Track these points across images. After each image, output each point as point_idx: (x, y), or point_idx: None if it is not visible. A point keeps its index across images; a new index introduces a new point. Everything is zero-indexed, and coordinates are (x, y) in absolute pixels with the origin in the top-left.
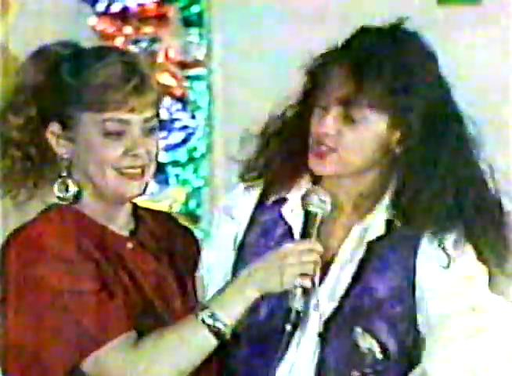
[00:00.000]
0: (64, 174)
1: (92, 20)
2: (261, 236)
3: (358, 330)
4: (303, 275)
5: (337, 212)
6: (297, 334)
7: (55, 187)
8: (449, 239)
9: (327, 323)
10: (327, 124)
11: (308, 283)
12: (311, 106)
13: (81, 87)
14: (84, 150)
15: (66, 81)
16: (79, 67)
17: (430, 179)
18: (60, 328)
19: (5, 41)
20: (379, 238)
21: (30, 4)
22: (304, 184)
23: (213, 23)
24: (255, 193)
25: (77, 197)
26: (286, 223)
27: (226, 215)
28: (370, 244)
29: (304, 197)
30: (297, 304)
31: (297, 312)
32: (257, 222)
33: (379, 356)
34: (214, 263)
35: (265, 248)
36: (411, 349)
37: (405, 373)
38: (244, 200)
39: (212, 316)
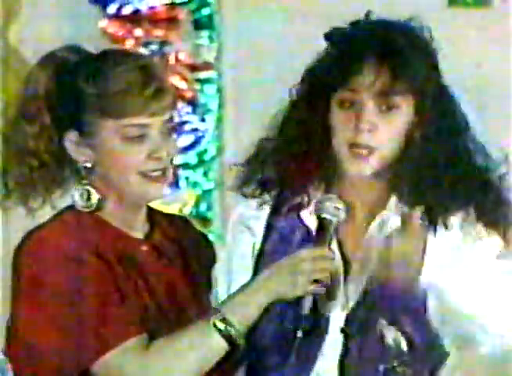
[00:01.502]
0: (85, 182)
1: (103, 23)
2: (279, 244)
3: (383, 322)
4: (316, 281)
5: (352, 218)
6: (322, 338)
7: (77, 195)
8: (459, 221)
9: (349, 319)
10: (366, 119)
11: (321, 289)
12: (323, 102)
13: (99, 94)
14: (105, 157)
15: (82, 88)
16: (95, 74)
17: (446, 162)
18: (72, 330)
19: (17, 44)
20: (396, 233)
21: (40, 7)
22: (319, 187)
23: (223, 25)
24: (269, 202)
25: (99, 204)
26: (305, 227)
27: (242, 226)
28: (388, 239)
29: (318, 204)
30: (309, 310)
31: (310, 319)
32: (274, 229)
33: (405, 347)
34: (233, 273)
35: (284, 255)
36: (436, 338)
37: (433, 362)
38: (259, 209)
39: (224, 320)
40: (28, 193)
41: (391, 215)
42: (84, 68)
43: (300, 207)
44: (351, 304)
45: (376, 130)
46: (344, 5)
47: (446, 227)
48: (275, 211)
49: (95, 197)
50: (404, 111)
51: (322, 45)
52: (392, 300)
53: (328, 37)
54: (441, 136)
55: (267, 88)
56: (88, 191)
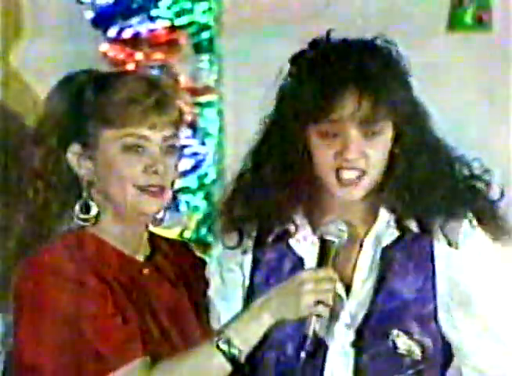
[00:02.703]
0: (85, 195)
1: (103, 46)
2: (269, 276)
3: (395, 332)
4: (319, 303)
5: (353, 235)
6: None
7: (77, 208)
8: (459, 228)
9: (359, 332)
10: (353, 148)
11: (324, 310)
12: (301, 131)
13: (102, 103)
14: (104, 168)
15: (88, 99)
16: (101, 86)
17: (427, 167)
18: (74, 352)
19: (18, 67)
20: (394, 243)
21: (41, 30)
22: (302, 213)
23: (223, 49)
24: (251, 248)
25: (97, 218)
26: (295, 255)
27: (230, 264)
28: (386, 250)
29: (321, 226)
30: (312, 331)
31: (312, 340)
32: (261, 263)
33: (418, 355)
34: (224, 314)
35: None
36: (444, 345)
37: (444, 369)
38: (243, 246)
39: (227, 341)
40: (39, 219)
41: (385, 228)
42: (93, 84)
43: (287, 235)
44: (358, 319)
45: (365, 157)
46: (344, 30)
47: (446, 237)
48: (259, 244)
49: (94, 210)
50: (387, 133)
51: None
52: (400, 309)
53: (293, 61)
54: (419, 149)
55: (267, 111)
56: (88, 204)
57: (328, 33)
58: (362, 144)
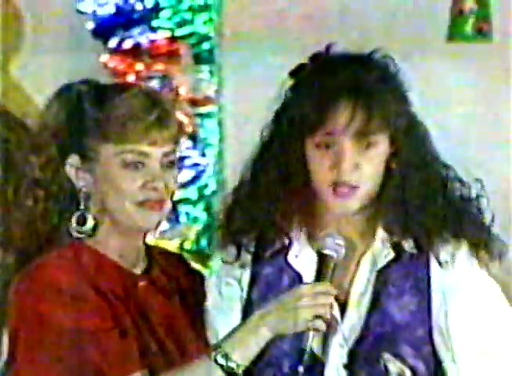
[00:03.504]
0: (82, 207)
1: (104, 57)
2: (267, 291)
3: (387, 356)
4: (317, 317)
5: (350, 251)
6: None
7: (73, 220)
8: (454, 252)
9: (352, 354)
10: (346, 160)
11: (322, 325)
12: (298, 143)
13: (102, 118)
14: (103, 182)
15: (88, 113)
16: (101, 100)
17: (421, 185)
18: (73, 366)
19: (18, 78)
20: (389, 264)
21: (41, 41)
22: (299, 227)
23: (224, 60)
24: (249, 264)
25: (94, 230)
26: (293, 271)
27: (228, 278)
28: (382, 271)
29: (318, 240)
30: (310, 346)
31: (310, 355)
32: (258, 277)
33: None
34: (222, 328)
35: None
36: (437, 369)
37: None
38: (241, 260)
39: (225, 356)
40: (37, 231)
41: (382, 248)
42: (93, 96)
43: (285, 251)
44: (351, 340)
45: (358, 169)
46: (345, 40)
47: (438, 259)
48: (257, 259)
49: (90, 222)
50: (382, 146)
51: None
52: (393, 332)
53: (293, 74)
54: (414, 165)
55: (267, 122)
56: (84, 216)
57: (328, 47)
58: (355, 156)
